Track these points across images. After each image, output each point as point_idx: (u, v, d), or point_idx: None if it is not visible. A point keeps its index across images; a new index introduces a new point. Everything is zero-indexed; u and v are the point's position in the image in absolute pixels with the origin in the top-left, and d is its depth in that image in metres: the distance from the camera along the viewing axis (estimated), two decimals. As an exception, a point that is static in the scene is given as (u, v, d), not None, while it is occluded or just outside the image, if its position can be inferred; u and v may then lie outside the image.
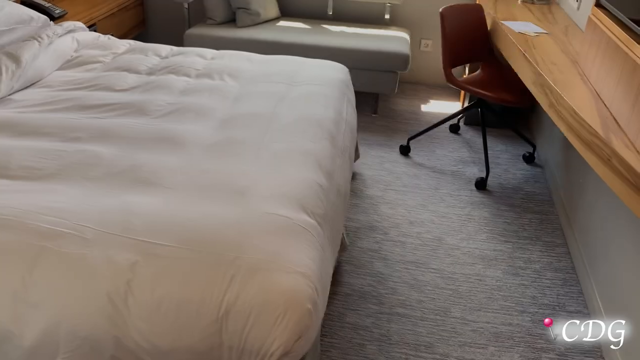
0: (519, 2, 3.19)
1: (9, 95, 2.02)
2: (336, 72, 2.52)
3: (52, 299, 1.26)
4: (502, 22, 2.72)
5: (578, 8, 2.78)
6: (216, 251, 1.31)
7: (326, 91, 2.26)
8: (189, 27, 3.57)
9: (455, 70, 2.90)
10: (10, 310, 1.26)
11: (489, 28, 2.93)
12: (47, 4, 3.02)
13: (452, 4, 2.81)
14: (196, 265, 1.28)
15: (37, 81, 2.19)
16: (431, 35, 3.86)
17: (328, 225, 1.58)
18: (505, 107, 3.16)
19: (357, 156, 2.75)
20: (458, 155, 3.04)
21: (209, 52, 2.64)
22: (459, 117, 3.33)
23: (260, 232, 1.37)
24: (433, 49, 3.89)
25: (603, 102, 1.82)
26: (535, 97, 2.15)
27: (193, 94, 2.15)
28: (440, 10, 2.72)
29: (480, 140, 3.16)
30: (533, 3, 3.16)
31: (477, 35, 2.93)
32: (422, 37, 3.88)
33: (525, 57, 2.26)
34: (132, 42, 2.70)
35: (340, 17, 3.88)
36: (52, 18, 2.97)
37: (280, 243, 1.35)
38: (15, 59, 2.07)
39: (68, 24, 2.57)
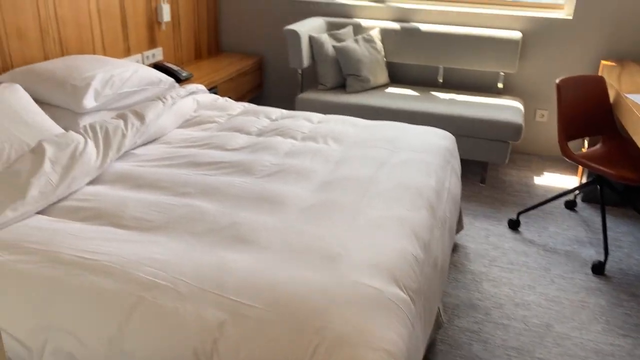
0: (648, 73, 2.97)
1: (132, 149, 2.21)
2: (441, 139, 2.47)
3: (144, 349, 1.30)
4: (627, 95, 2.54)
5: None
6: (302, 317, 1.28)
7: (429, 158, 2.21)
8: (302, 91, 3.74)
9: (573, 144, 2.73)
10: (105, 355, 1.31)
11: (611, 101, 2.74)
12: (176, 68, 3.32)
13: (571, 76, 2.68)
14: (281, 330, 1.26)
15: (158, 138, 2.38)
16: (547, 106, 3.69)
17: (421, 301, 1.50)
18: (628, 186, 2.89)
19: (460, 227, 2.64)
20: (573, 234, 2.81)
21: (316, 116, 2.72)
22: (576, 193, 3.10)
23: (348, 302, 1.33)
24: (549, 119, 3.71)
25: None
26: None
27: (297, 156, 2.20)
28: (557, 81, 2.60)
29: (599, 220, 2.91)
30: (664, 75, 2.92)
31: (598, 108, 2.75)
32: (537, 107, 3.72)
33: (654, 133, 2.07)
34: (246, 104, 2.86)
35: (450, 85, 3.86)
36: (179, 80, 3.26)
37: (368, 316, 1.30)
38: (141, 117, 2.26)
39: (191, 87, 2.79)
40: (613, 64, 3.24)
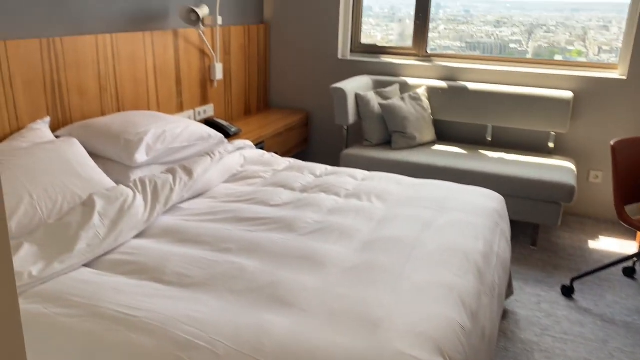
0: None
1: (179, 203, 2.24)
2: (489, 200, 2.40)
3: (177, 411, 1.26)
4: (689, 157, 2.42)
5: None
6: (341, 388, 1.22)
7: (477, 220, 2.15)
8: (347, 147, 3.75)
9: (631, 208, 2.60)
10: (138, 417, 1.28)
11: (672, 163, 2.61)
12: (225, 124, 3.41)
13: (626, 137, 2.58)
14: (318, 400, 1.21)
15: (205, 192, 2.41)
16: (601, 167, 3.56)
17: (468, 374, 1.41)
18: (694, 253, 2.71)
19: (510, 292, 2.52)
20: (633, 304, 2.63)
21: (360, 173, 2.71)
22: (635, 260, 2.92)
23: (390, 374, 1.26)
24: (603, 181, 3.57)
25: None
26: None
27: (340, 214, 2.18)
28: (612, 143, 2.51)
29: (662, 289, 2.72)
30: None
31: (658, 171, 2.63)
32: (590, 168, 3.60)
33: None
34: (291, 160, 2.89)
35: (499, 144, 3.79)
36: (228, 135, 3.33)
37: (410, 390, 1.22)
38: (189, 172, 2.31)
39: (239, 143, 2.85)
40: (672, 125, 3.12)
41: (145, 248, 1.85)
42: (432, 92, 3.73)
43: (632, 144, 2.58)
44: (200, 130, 2.76)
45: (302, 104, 4.31)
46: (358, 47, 4.17)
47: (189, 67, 3.36)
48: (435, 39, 3.94)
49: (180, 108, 3.33)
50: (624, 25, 3.48)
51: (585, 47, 3.68)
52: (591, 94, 3.48)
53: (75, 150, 2.26)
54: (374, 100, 3.64)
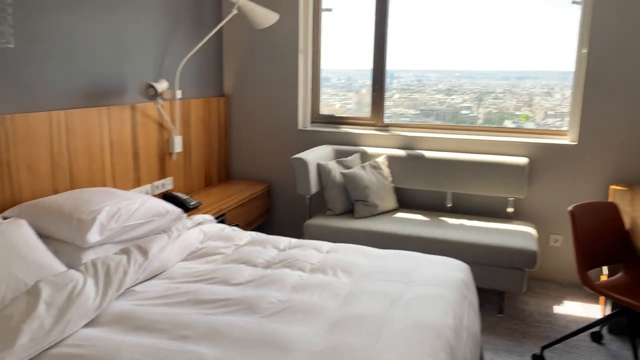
0: (661, 198, 2.92)
1: (133, 286, 2.12)
2: (456, 271, 2.37)
3: None
4: (644, 222, 2.47)
5: None
6: None
7: (445, 293, 2.10)
8: (310, 217, 3.71)
9: (592, 271, 2.62)
10: None
11: (627, 227, 2.67)
12: (185, 197, 3.33)
13: (584, 202, 2.63)
14: None
15: (162, 272, 2.30)
16: (561, 230, 3.62)
17: None
18: (658, 316, 2.72)
19: (481, 365, 2.45)
20: (604, 371, 2.59)
21: (325, 245, 2.66)
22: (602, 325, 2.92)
23: None
24: (563, 244, 3.62)
25: None
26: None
27: (305, 291, 2.10)
28: (570, 208, 2.56)
29: (628, 354, 2.70)
30: (678, 200, 2.88)
31: (614, 235, 2.68)
32: (550, 232, 3.65)
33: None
34: (254, 233, 2.82)
35: (459, 210, 3.82)
36: (187, 209, 3.25)
37: None
38: (144, 252, 2.20)
39: (198, 217, 2.76)
40: (624, 188, 3.22)
41: (95, 338, 1.71)
42: (392, 160, 3.77)
43: (590, 208, 2.63)
44: (157, 205, 2.67)
45: (264, 174, 4.28)
46: (318, 118, 4.23)
47: (147, 140, 3.31)
48: (391, 107, 4.05)
49: (137, 183, 3.24)
50: (566, 92, 3.67)
51: (532, 111, 3.85)
52: (545, 160, 3.59)
53: (22, 232, 2.14)
54: (336, 170, 3.64)
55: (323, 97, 4.23)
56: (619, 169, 3.45)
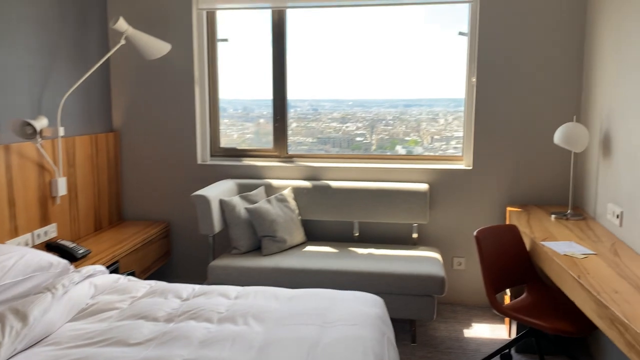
0: (552, 218, 3.08)
1: (10, 358, 1.81)
2: (372, 306, 2.30)
3: None
4: (543, 242, 2.57)
5: (620, 225, 2.64)
6: None
7: (364, 333, 2.01)
8: (214, 257, 3.50)
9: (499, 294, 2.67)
10: None
11: (528, 249, 2.77)
12: (71, 245, 2.99)
13: (487, 226, 2.70)
14: None
15: (45, 337, 2.00)
16: (463, 253, 3.71)
17: None
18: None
19: (401, 402, 2.37)
20: (517, 392, 2.63)
21: (232, 290, 2.48)
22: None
23: None
24: (467, 267, 3.71)
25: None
26: (606, 333, 1.87)
27: (214, 345, 1.92)
28: (475, 233, 2.60)
29: (539, 373, 2.78)
30: (567, 219, 3.05)
31: (517, 257, 2.76)
32: (454, 255, 3.73)
33: (581, 285, 2.04)
34: (152, 282, 2.57)
35: (366, 239, 3.81)
36: (75, 259, 2.92)
37: None
38: (23, 316, 1.90)
39: (87, 269, 2.47)
40: (519, 209, 3.37)
41: None
42: (297, 192, 3.68)
43: (493, 232, 2.70)
44: (38, 258, 2.36)
45: (160, 214, 4.00)
46: (218, 151, 4.05)
47: (25, 185, 2.95)
48: (289, 136, 3.99)
49: (14, 233, 2.86)
50: (449, 117, 3.83)
51: (420, 136, 3.99)
52: (445, 185, 3.68)
53: None
54: (240, 205, 3.48)
55: (220, 127, 4.07)
56: (513, 190, 3.62)
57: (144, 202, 4.00)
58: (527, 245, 2.78)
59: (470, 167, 3.67)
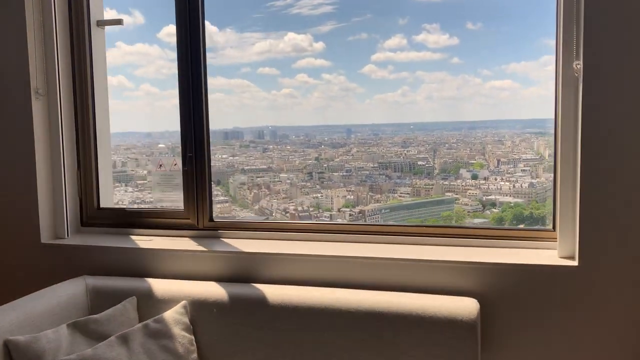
0: None
1: None
2: None
3: None
4: None
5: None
6: None
7: None
8: None
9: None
10: None
11: None
12: None
13: None
14: None
15: None
16: None
17: None
18: None
19: None
20: None
21: None
22: None
23: None
24: None
25: None
26: None
27: None
28: None
29: None
30: None
31: None
32: None
33: None
34: None
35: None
36: None
37: None
38: None
39: None
40: None
41: None
42: (201, 310, 1.79)
43: None
44: None
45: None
46: (95, 216, 2.28)
47: None
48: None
49: None
50: (516, 139, 1.93)
51: (486, 160, 2.43)
52: (514, 298, 1.69)
53: None
54: (60, 349, 1.62)
55: (106, 176, 2.29)
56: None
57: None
58: None
59: (575, 262, 1.67)
